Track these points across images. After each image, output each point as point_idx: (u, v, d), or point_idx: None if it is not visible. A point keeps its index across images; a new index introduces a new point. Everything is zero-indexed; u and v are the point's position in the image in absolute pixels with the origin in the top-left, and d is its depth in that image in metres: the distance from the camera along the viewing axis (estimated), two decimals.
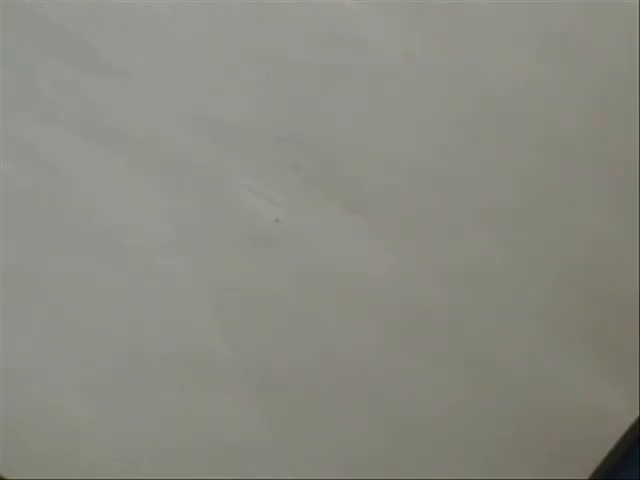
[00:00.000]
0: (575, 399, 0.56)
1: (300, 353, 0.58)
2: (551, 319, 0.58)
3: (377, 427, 0.56)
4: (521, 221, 0.62)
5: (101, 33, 0.69)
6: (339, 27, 0.69)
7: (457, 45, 0.68)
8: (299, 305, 0.59)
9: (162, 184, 0.64)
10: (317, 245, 0.61)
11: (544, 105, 0.66)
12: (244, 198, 0.63)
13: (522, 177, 0.63)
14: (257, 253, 0.61)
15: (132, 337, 0.58)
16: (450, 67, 0.67)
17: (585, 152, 0.64)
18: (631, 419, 0.56)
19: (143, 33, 0.69)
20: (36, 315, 0.59)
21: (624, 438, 0.55)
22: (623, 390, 0.56)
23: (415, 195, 0.63)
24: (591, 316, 0.59)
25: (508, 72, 0.67)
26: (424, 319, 0.58)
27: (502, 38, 0.68)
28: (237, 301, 0.59)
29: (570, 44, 0.68)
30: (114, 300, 0.59)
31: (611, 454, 0.55)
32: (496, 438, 0.55)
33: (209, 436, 0.55)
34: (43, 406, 0.56)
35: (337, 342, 0.58)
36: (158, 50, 0.68)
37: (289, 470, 0.55)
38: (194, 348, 0.58)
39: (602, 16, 0.68)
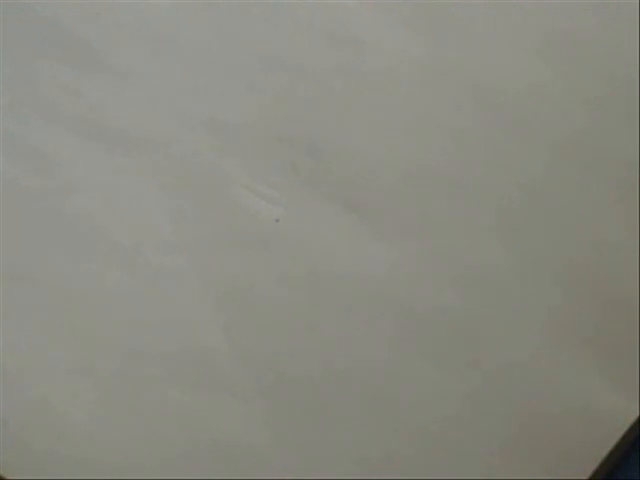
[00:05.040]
0: (575, 399, 0.56)
1: (300, 353, 0.58)
2: (551, 319, 0.58)
3: (377, 427, 0.56)
4: (521, 221, 0.62)
5: (101, 33, 0.69)
6: (339, 27, 0.69)
7: (457, 45, 0.68)
8: (299, 305, 0.59)
9: (162, 184, 0.64)
10: (317, 245, 0.61)
11: (544, 105, 0.66)
12: (244, 198, 0.63)
13: (523, 177, 0.63)
14: (257, 253, 0.61)
15: (132, 337, 0.58)
16: (450, 67, 0.67)
17: (585, 152, 0.64)
18: (631, 419, 0.56)
19: (143, 33, 0.69)
20: (36, 315, 0.59)
21: (624, 438, 0.55)
22: (623, 390, 0.56)
23: (415, 195, 0.63)
24: (591, 316, 0.59)
25: (509, 72, 0.67)
26: (424, 319, 0.58)
27: (502, 38, 0.68)
28: (237, 301, 0.59)
29: (570, 44, 0.68)
30: (114, 300, 0.59)
31: (611, 454, 0.55)
32: (496, 438, 0.55)
33: (209, 436, 0.55)
34: (43, 406, 0.56)
35: (337, 342, 0.58)
36: (158, 50, 0.68)
37: (289, 470, 0.55)
38: (194, 348, 0.58)
39: (602, 16, 0.68)
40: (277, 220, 0.62)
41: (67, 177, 0.64)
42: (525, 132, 0.65)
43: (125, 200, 0.63)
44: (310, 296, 0.59)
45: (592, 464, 0.54)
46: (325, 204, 0.63)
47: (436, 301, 0.59)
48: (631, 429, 0.56)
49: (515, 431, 0.55)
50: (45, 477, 0.54)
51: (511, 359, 0.57)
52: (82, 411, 0.56)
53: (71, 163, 0.64)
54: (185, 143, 0.65)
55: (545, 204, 0.62)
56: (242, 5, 0.69)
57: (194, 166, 0.64)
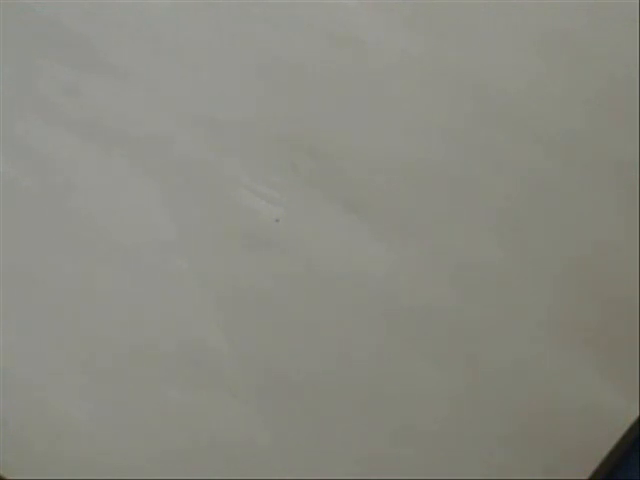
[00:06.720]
0: (575, 399, 0.56)
1: (300, 353, 0.58)
2: (551, 319, 0.58)
3: (377, 427, 0.56)
4: (521, 221, 0.62)
5: (101, 32, 0.69)
6: (339, 27, 0.69)
7: (457, 45, 0.68)
8: (299, 305, 0.59)
9: (162, 184, 0.64)
10: (317, 245, 0.61)
11: (544, 105, 0.66)
12: (244, 198, 0.63)
13: (522, 177, 0.63)
14: (257, 253, 0.61)
15: (132, 337, 0.58)
16: (450, 67, 0.67)
17: (585, 152, 0.64)
18: (631, 419, 0.56)
19: (143, 33, 0.69)
20: (36, 315, 0.59)
21: (624, 438, 0.55)
22: (623, 390, 0.56)
23: (415, 195, 0.63)
24: (591, 316, 0.59)
25: (508, 71, 0.67)
26: (425, 319, 0.58)
27: (502, 38, 0.68)
28: (236, 301, 0.59)
29: (570, 44, 0.68)
30: (114, 300, 0.59)
31: (611, 454, 0.55)
32: (496, 438, 0.55)
33: (209, 436, 0.55)
34: (43, 406, 0.56)
35: (337, 342, 0.58)
36: (158, 50, 0.68)
37: (289, 470, 0.55)
38: (194, 348, 0.58)
39: (602, 16, 0.68)
40: (277, 220, 0.62)
41: (67, 177, 0.64)
42: (525, 132, 0.65)
43: (125, 200, 0.63)
44: (310, 296, 0.59)
45: (592, 464, 0.54)
46: (325, 204, 0.63)
47: (436, 301, 0.59)
48: (631, 429, 0.56)
49: (515, 431, 0.55)
50: (45, 477, 0.54)
51: (511, 359, 0.57)
52: (82, 411, 0.56)
53: (71, 163, 0.64)
54: (185, 143, 0.65)
55: (545, 204, 0.62)
56: (242, 5, 0.69)
57: (194, 166, 0.64)
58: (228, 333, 0.58)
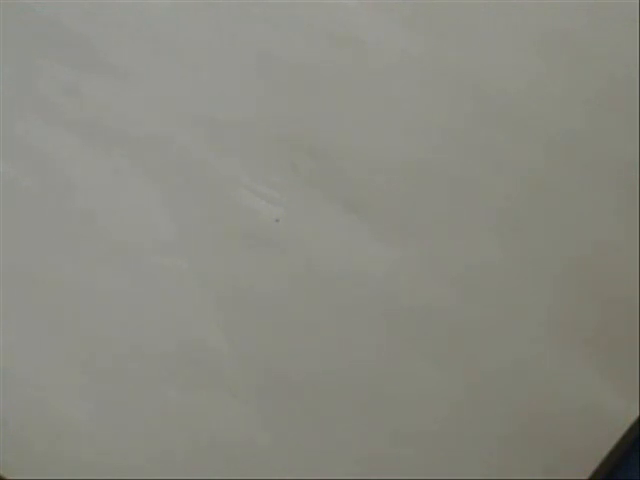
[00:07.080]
0: (575, 399, 0.56)
1: (300, 353, 0.58)
2: (551, 319, 0.58)
3: (377, 427, 0.56)
4: (521, 221, 0.62)
5: (101, 32, 0.69)
6: (339, 27, 0.69)
7: (457, 45, 0.68)
8: (299, 305, 0.59)
9: (162, 184, 0.64)
10: (317, 245, 0.61)
11: (544, 105, 0.66)
12: (244, 198, 0.63)
13: (522, 177, 0.63)
14: (257, 253, 0.61)
15: (132, 337, 0.58)
16: (450, 67, 0.67)
17: (585, 152, 0.64)
18: (631, 419, 0.56)
19: (143, 33, 0.69)
20: (36, 315, 0.59)
21: (624, 438, 0.55)
22: (623, 390, 0.56)
23: (415, 195, 0.63)
24: (591, 316, 0.59)
25: (508, 72, 0.67)
26: (424, 319, 0.58)
27: (502, 38, 0.68)
28: (236, 301, 0.59)
29: (570, 44, 0.68)
30: (114, 300, 0.59)
31: (611, 454, 0.55)
32: (495, 438, 0.55)
33: (209, 436, 0.55)
34: (43, 406, 0.56)
35: (337, 342, 0.58)
36: (158, 50, 0.68)
37: (289, 470, 0.55)
38: (194, 348, 0.58)
39: (602, 16, 0.68)
40: (277, 220, 0.62)
41: (67, 177, 0.64)
42: (525, 132, 0.65)
43: (125, 200, 0.63)
44: (310, 296, 0.59)
45: (592, 464, 0.54)
46: (325, 204, 0.63)
47: (436, 301, 0.59)
48: (631, 429, 0.56)
49: (515, 431, 0.55)
50: (45, 477, 0.54)
51: (511, 359, 0.57)
52: (82, 411, 0.56)
53: (71, 163, 0.64)
54: (185, 143, 0.65)
55: (545, 204, 0.62)
56: (242, 5, 0.69)
57: (194, 166, 0.64)
58: (228, 333, 0.58)
